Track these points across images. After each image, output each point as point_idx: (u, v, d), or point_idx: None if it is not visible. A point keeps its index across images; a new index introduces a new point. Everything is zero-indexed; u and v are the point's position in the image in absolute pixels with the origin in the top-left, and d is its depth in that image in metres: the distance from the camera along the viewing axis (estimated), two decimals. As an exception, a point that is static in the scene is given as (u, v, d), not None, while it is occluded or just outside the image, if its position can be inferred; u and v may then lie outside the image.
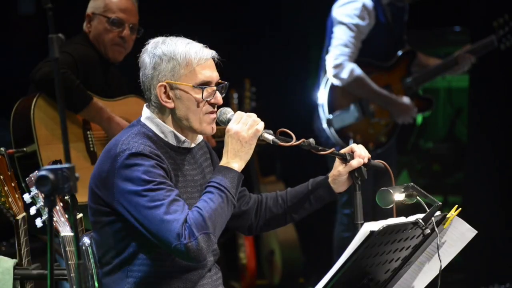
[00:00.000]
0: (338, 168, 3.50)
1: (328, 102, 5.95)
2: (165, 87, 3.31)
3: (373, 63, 5.95)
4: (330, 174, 3.53)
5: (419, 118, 8.21)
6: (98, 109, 4.71)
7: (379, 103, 5.92)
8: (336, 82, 5.85)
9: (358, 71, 5.82)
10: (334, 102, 5.96)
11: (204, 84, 3.31)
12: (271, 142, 3.36)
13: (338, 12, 5.87)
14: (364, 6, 5.83)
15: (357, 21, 5.83)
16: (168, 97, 3.32)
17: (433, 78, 6.22)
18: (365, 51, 5.90)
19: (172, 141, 3.35)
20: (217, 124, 3.39)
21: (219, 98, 3.35)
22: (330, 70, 5.85)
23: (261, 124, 3.33)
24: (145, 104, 3.40)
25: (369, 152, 3.53)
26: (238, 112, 3.35)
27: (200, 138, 3.47)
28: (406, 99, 5.98)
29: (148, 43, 3.37)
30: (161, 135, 3.34)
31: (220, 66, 3.37)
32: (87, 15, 4.89)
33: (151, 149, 3.24)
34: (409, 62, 6.04)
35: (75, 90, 4.63)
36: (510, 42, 6.03)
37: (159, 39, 3.35)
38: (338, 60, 5.82)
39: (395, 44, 6.02)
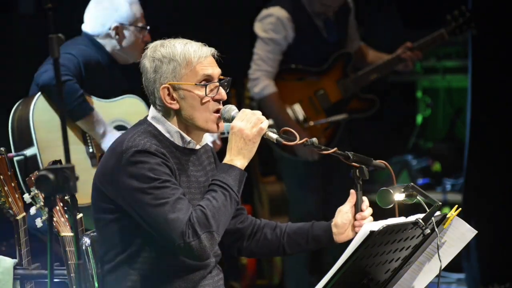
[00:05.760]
0: (342, 213, 3.49)
1: (259, 110, 5.98)
2: (168, 89, 3.32)
3: (304, 69, 5.95)
4: (334, 221, 3.51)
5: (419, 118, 8.22)
6: (96, 121, 4.71)
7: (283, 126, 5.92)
8: (251, 94, 5.97)
9: (269, 89, 5.87)
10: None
11: (206, 81, 3.32)
12: (274, 141, 3.36)
13: (256, 26, 5.98)
14: (279, 20, 5.88)
15: (271, 35, 5.89)
16: (172, 98, 3.32)
17: (375, 78, 6.15)
18: (296, 58, 5.93)
19: (178, 141, 3.36)
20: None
21: (222, 93, 3.36)
22: (248, 83, 5.97)
23: (265, 123, 3.33)
24: (152, 105, 3.40)
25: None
26: (243, 110, 3.35)
27: (205, 140, 3.47)
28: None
29: (147, 48, 3.37)
30: (167, 135, 3.35)
31: (221, 63, 3.37)
32: (115, 27, 4.85)
33: (157, 147, 3.25)
34: (344, 64, 6.02)
35: (77, 99, 4.62)
36: (472, 32, 6.00)
37: (158, 43, 3.36)
38: (254, 75, 5.92)
39: (330, 49, 5.99)
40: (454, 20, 5.98)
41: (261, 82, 5.88)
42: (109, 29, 4.85)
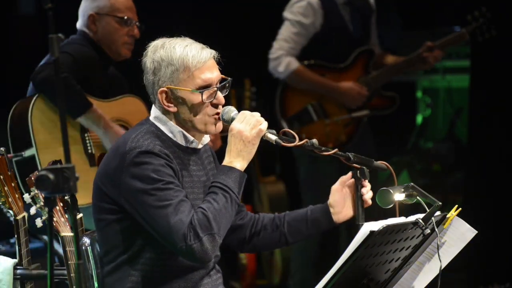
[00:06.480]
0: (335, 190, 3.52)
1: (280, 105, 5.97)
2: (166, 93, 3.31)
3: (325, 65, 5.94)
4: (328, 201, 3.54)
5: (419, 118, 8.22)
6: (96, 117, 4.69)
7: (323, 93, 5.91)
8: (276, 75, 5.92)
9: (295, 64, 5.85)
10: (287, 106, 5.97)
11: (204, 88, 3.31)
12: (274, 143, 3.35)
13: (286, 11, 5.96)
14: (310, 4, 5.87)
15: (299, 18, 5.87)
16: (170, 101, 3.32)
17: (395, 75, 6.16)
18: (318, 52, 5.91)
19: (181, 141, 3.36)
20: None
21: (220, 98, 3.35)
22: (269, 64, 5.92)
23: (264, 124, 3.33)
24: (153, 104, 3.40)
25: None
26: (242, 112, 3.35)
27: (206, 139, 3.47)
28: (348, 83, 5.92)
29: (149, 47, 3.37)
30: (170, 135, 3.35)
31: (220, 64, 3.37)
32: (90, 16, 4.83)
33: (161, 148, 3.25)
34: (366, 62, 6.00)
35: (75, 95, 4.61)
36: (490, 34, 5.97)
37: (159, 43, 3.35)
38: (275, 54, 5.89)
39: (353, 44, 5.98)
40: (475, 20, 5.95)
41: (284, 60, 5.86)
42: (87, 18, 4.84)
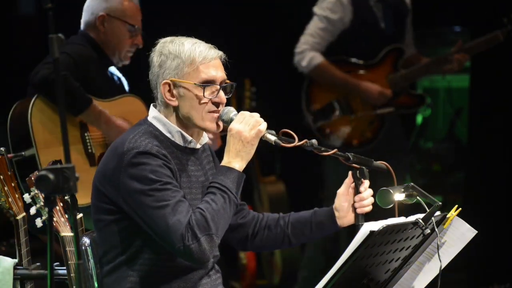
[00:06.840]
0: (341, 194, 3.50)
1: (306, 100, 5.98)
2: (169, 85, 3.32)
3: (353, 62, 5.94)
4: (334, 205, 3.52)
5: (419, 118, 8.22)
6: (97, 112, 4.70)
7: (345, 90, 5.92)
8: (299, 69, 5.95)
9: (318, 59, 5.88)
10: (312, 100, 5.98)
11: (207, 83, 3.32)
12: (273, 143, 3.35)
13: (316, 5, 5.99)
14: (339, 0, 5.87)
15: (327, 13, 5.89)
16: (172, 95, 3.33)
17: (424, 75, 6.17)
18: (349, 48, 5.92)
19: (179, 141, 3.36)
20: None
21: (222, 97, 3.35)
22: (294, 58, 5.96)
23: (263, 125, 3.33)
24: (152, 104, 3.41)
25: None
26: (242, 112, 3.35)
27: (205, 139, 3.47)
28: (371, 84, 5.94)
29: (157, 43, 3.38)
30: (168, 135, 3.35)
31: (227, 68, 3.37)
32: (100, 16, 4.83)
33: (158, 149, 3.25)
34: (395, 60, 5.99)
35: (75, 93, 4.61)
36: None
37: (168, 39, 3.37)
38: (300, 48, 5.92)
39: (385, 41, 5.97)
40: (511, 23, 5.91)
41: (307, 55, 5.88)
42: (96, 18, 4.83)
